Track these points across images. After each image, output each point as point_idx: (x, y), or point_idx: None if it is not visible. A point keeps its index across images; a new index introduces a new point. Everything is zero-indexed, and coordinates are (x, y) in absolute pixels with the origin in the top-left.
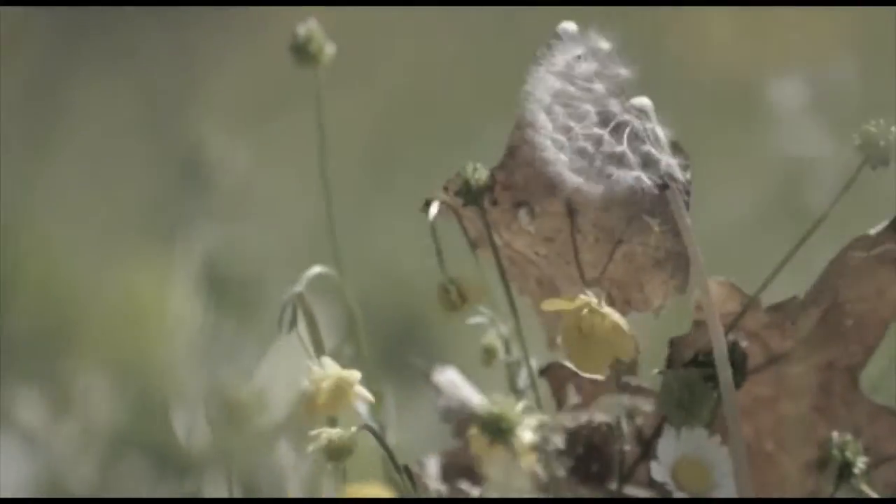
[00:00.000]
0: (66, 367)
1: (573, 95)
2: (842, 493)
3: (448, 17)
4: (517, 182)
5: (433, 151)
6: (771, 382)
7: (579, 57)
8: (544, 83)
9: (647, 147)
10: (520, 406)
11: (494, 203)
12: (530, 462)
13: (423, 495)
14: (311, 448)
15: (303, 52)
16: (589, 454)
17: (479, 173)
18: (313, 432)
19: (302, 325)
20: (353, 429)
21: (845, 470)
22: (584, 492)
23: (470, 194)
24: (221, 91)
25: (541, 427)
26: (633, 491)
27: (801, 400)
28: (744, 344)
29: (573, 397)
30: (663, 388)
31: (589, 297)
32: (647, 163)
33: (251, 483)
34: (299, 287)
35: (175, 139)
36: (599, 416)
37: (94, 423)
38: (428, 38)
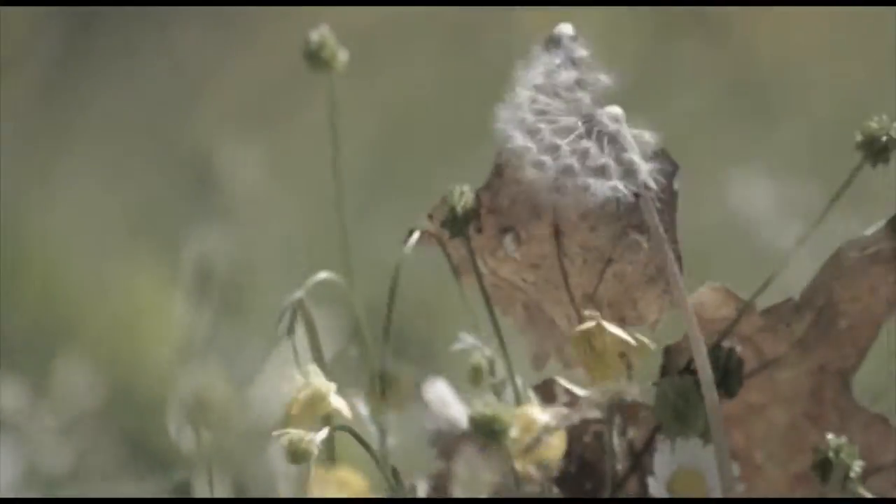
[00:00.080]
0: (63, 364)
1: (556, 109)
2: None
3: (448, 19)
4: (502, 205)
5: (435, 156)
6: (762, 388)
7: (558, 66)
8: (523, 102)
9: (629, 155)
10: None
11: (479, 230)
12: (526, 463)
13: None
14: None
15: (316, 58)
16: (581, 472)
17: (466, 198)
18: (276, 433)
19: (300, 332)
20: (321, 433)
21: (841, 473)
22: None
23: (455, 223)
24: (226, 93)
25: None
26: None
27: (792, 407)
28: (738, 349)
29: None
30: (658, 396)
31: (592, 319)
32: (628, 172)
33: (240, 484)
34: (300, 293)
35: (178, 141)
36: (591, 413)
37: (87, 419)
38: (433, 43)
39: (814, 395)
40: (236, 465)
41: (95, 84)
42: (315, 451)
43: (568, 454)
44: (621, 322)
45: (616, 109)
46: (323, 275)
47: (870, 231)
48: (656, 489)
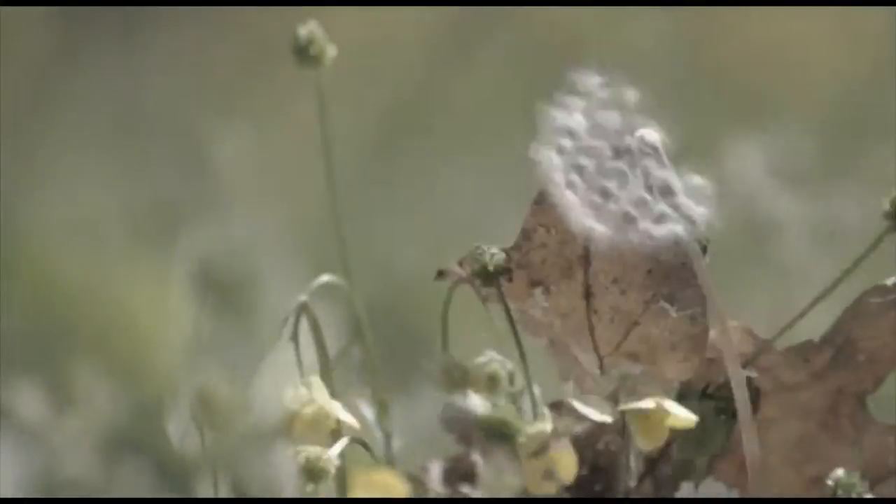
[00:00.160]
0: (65, 366)
1: (601, 153)
2: None
3: (448, 18)
4: (533, 262)
5: (436, 154)
6: (779, 404)
7: (593, 109)
8: (568, 151)
9: (683, 200)
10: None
11: (510, 280)
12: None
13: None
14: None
15: (304, 54)
16: (593, 475)
17: (497, 258)
18: (291, 449)
19: (303, 336)
20: (334, 449)
21: None
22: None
23: (486, 277)
24: (224, 90)
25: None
26: None
27: (808, 420)
28: (754, 376)
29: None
30: None
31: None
32: (685, 218)
33: (242, 486)
34: (304, 296)
35: (177, 139)
36: (600, 417)
37: (93, 423)
38: (432, 40)
39: (830, 410)
40: (239, 465)
41: (93, 81)
42: (332, 470)
43: (581, 460)
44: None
45: (653, 134)
46: (325, 278)
47: (891, 281)
48: None
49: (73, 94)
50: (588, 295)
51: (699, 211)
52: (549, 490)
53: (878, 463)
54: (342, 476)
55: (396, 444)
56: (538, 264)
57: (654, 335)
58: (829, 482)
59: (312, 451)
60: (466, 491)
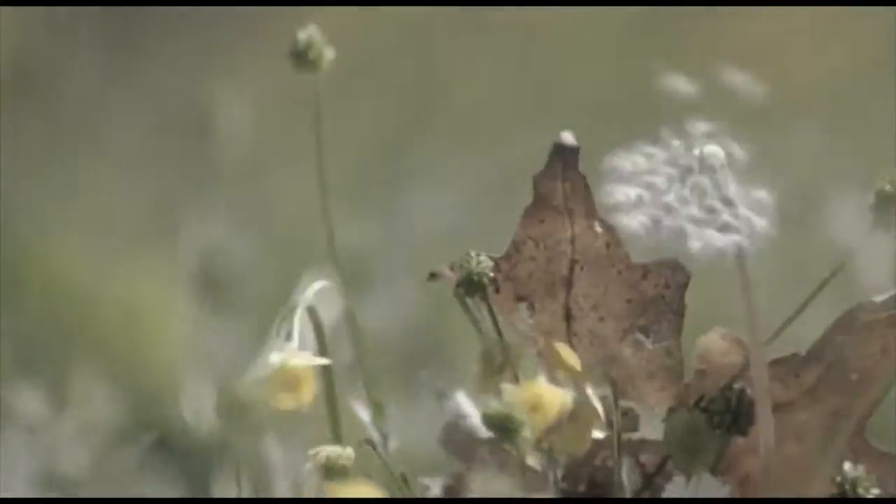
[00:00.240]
0: (69, 362)
1: (660, 161)
2: None
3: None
4: (520, 276)
5: (437, 154)
6: (776, 426)
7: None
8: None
9: (746, 212)
10: None
11: (497, 291)
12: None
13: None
14: (308, 466)
15: (302, 58)
16: (591, 490)
17: (483, 266)
18: (312, 451)
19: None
20: (350, 448)
21: None
22: None
23: (472, 286)
24: (227, 90)
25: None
26: None
27: (804, 441)
28: (748, 391)
29: None
30: (668, 432)
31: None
32: (748, 229)
33: (257, 476)
34: (301, 300)
35: (180, 141)
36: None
37: (96, 418)
38: (432, 38)
39: (827, 432)
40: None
41: (96, 84)
42: (350, 468)
43: (578, 477)
44: (622, 395)
45: (720, 156)
46: (320, 284)
47: (879, 298)
48: None
49: (77, 97)
50: (568, 317)
51: (760, 223)
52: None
53: (880, 489)
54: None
55: (393, 444)
56: (524, 278)
57: (632, 364)
58: (837, 478)
59: (332, 450)
60: None
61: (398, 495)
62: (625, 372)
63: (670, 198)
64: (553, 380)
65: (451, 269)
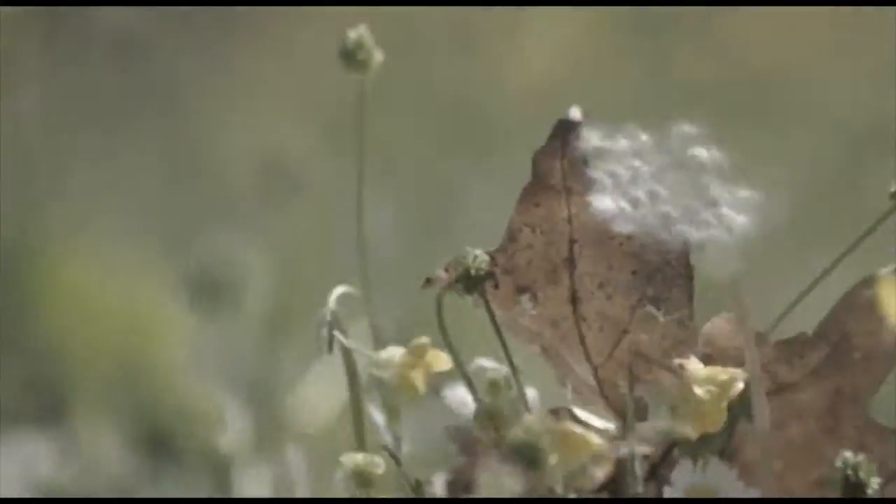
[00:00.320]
0: (69, 372)
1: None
2: None
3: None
4: (518, 265)
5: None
6: (779, 406)
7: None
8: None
9: (723, 210)
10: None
11: (496, 286)
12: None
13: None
14: (338, 475)
15: (352, 58)
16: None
17: (479, 261)
18: (342, 458)
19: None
20: (378, 457)
21: (858, 490)
22: None
23: (469, 282)
24: (232, 92)
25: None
26: None
27: (808, 422)
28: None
29: None
30: None
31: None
32: (722, 225)
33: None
34: (330, 309)
35: (183, 147)
36: (602, 424)
37: (98, 429)
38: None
39: (830, 412)
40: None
41: (98, 88)
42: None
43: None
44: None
45: (707, 157)
46: (342, 288)
47: (884, 271)
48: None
49: (79, 103)
50: (574, 300)
51: (740, 220)
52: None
53: (882, 467)
54: None
55: (406, 448)
56: (524, 267)
57: (645, 342)
58: (838, 463)
59: (359, 458)
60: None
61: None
62: (640, 355)
63: (653, 186)
64: (562, 379)
65: (447, 269)
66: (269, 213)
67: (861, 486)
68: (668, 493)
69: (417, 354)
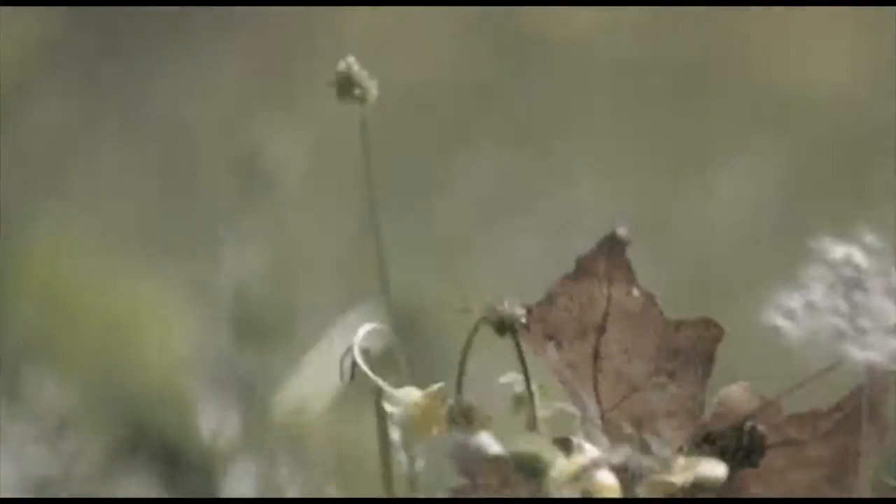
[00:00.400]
0: (62, 372)
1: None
2: None
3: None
4: (551, 321)
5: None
6: (784, 455)
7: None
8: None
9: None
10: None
11: (526, 328)
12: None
13: None
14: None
15: (347, 93)
16: None
17: (515, 315)
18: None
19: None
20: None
21: None
22: None
23: (502, 327)
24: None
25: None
26: None
27: (813, 471)
28: (761, 427)
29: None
30: None
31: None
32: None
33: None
34: (357, 343)
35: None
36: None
37: (89, 427)
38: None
39: (837, 465)
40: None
41: (102, 91)
42: None
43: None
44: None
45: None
46: (368, 326)
47: None
48: None
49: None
50: (596, 357)
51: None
52: None
53: None
54: None
55: (420, 464)
56: (556, 323)
57: (653, 402)
58: None
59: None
60: None
61: None
62: (646, 410)
63: (835, 300)
64: (581, 404)
65: (482, 311)
66: (250, 211)
67: None
68: None
69: (433, 399)
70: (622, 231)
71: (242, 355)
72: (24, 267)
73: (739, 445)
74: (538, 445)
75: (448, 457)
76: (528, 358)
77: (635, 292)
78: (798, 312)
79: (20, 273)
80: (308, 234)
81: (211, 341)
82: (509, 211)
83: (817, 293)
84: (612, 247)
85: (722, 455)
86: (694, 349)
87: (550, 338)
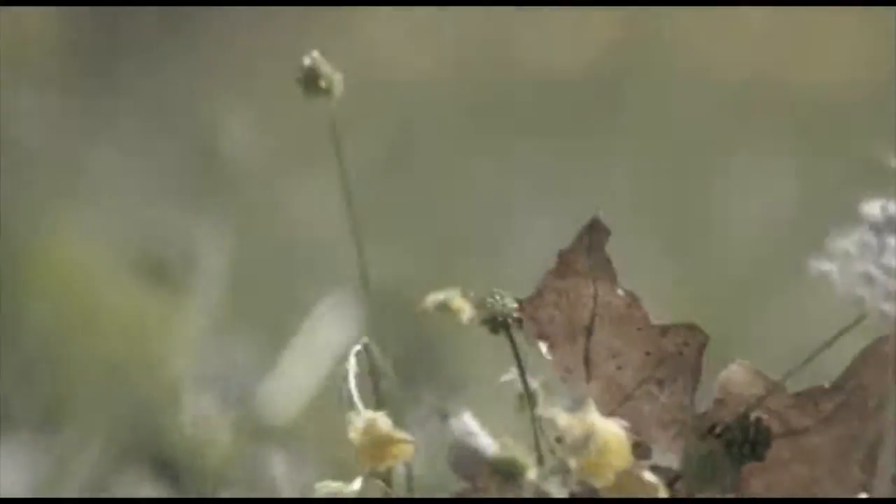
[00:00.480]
0: (71, 375)
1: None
2: None
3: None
4: (542, 318)
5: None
6: (788, 447)
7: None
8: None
9: None
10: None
11: (520, 325)
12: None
13: None
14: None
15: (313, 85)
16: None
17: (508, 309)
18: (318, 485)
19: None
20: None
21: None
22: None
23: (495, 324)
24: (238, 96)
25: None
26: None
27: (816, 465)
28: (765, 418)
29: None
30: (684, 459)
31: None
32: None
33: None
34: (351, 367)
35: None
36: None
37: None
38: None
39: (839, 457)
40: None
41: (105, 91)
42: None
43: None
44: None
45: None
46: (358, 346)
47: None
48: None
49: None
50: (588, 361)
51: None
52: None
53: None
54: None
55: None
56: (546, 321)
57: (646, 411)
58: None
59: (335, 485)
60: None
61: None
62: (638, 418)
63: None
64: (575, 403)
65: (474, 305)
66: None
67: None
68: None
69: (371, 433)
70: (602, 217)
71: (232, 349)
72: (28, 269)
73: (746, 438)
74: (514, 451)
75: (447, 462)
76: (536, 356)
77: (619, 291)
78: (841, 259)
79: (24, 275)
80: (302, 230)
81: (203, 338)
82: (511, 211)
83: (854, 242)
84: (593, 237)
85: (728, 448)
86: (682, 355)
87: (543, 338)
